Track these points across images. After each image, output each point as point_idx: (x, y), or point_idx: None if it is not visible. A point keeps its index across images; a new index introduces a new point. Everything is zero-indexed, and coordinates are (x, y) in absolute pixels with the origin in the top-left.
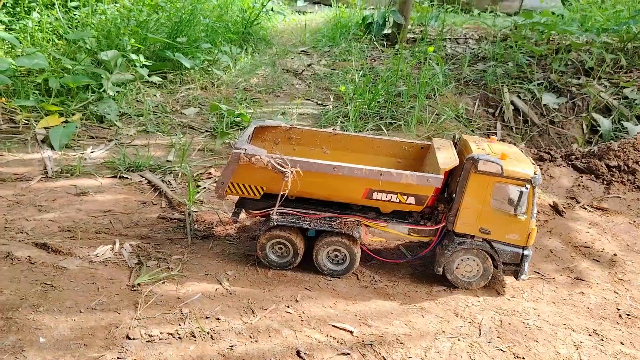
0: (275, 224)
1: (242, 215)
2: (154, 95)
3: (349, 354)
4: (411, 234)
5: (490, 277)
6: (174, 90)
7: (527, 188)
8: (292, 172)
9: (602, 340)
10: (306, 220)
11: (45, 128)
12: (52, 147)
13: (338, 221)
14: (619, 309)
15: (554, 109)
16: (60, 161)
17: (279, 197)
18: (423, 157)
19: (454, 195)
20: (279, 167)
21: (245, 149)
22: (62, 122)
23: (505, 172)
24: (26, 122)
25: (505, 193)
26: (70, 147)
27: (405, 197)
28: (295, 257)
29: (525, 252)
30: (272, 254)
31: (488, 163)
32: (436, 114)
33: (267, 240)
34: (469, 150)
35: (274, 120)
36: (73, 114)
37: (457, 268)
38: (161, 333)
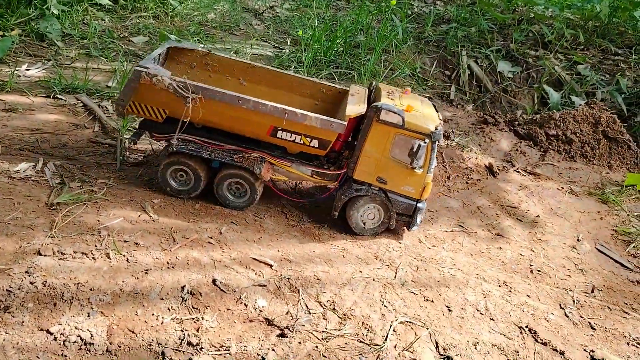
0: (175, 150)
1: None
2: (102, 19)
3: (265, 285)
4: (314, 176)
5: (386, 227)
6: (125, 16)
7: (425, 142)
8: (193, 98)
9: (510, 291)
10: (208, 150)
11: None
12: None
13: (241, 155)
14: (531, 265)
15: (509, 77)
16: None
17: (180, 123)
18: (340, 102)
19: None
20: (180, 91)
21: (148, 68)
22: None
23: (406, 124)
24: None
25: (405, 145)
26: (5, 62)
27: (309, 139)
28: (197, 186)
29: (419, 205)
30: (172, 180)
31: (390, 113)
32: (391, 69)
33: (168, 165)
34: (379, 99)
35: (190, 42)
36: (12, 29)
37: (356, 214)
38: (75, 252)
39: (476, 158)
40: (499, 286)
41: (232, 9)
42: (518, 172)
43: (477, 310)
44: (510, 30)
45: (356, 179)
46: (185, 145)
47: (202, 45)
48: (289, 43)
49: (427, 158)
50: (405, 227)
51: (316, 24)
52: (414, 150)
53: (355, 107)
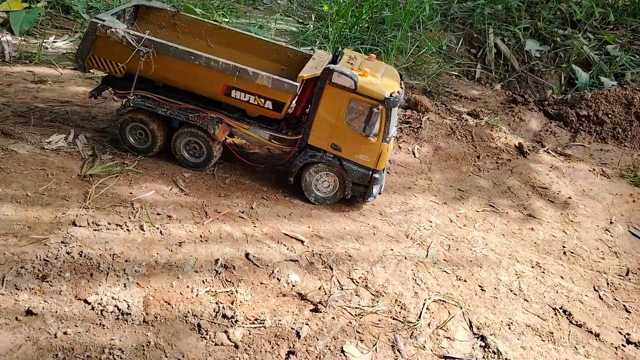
0: (132, 105)
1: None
2: None
3: (297, 261)
4: (272, 140)
5: (342, 196)
6: None
7: (378, 109)
8: (146, 52)
9: (543, 272)
10: (165, 107)
11: (5, 11)
12: (11, 32)
13: (197, 114)
14: (564, 247)
15: (536, 57)
16: (19, 47)
17: (136, 77)
18: None
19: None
20: (133, 43)
21: (104, 20)
22: (25, 8)
23: (359, 89)
24: None
25: (359, 111)
26: (32, 34)
27: (263, 100)
28: (154, 143)
29: (375, 175)
30: (130, 137)
31: (342, 76)
32: (417, 46)
33: (126, 122)
34: (343, 64)
35: (159, 2)
36: (38, 1)
37: (310, 181)
38: (109, 224)
39: (506, 138)
40: (532, 267)
41: None
42: (548, 152)
43: (511, 291)
44: (538, 8)
45: (311, 144)
46: (143, 102)
47: (171, 5)
48: (313, 18)
49: (382, 126)
50: (361, 198)
51: (342, 0)
52: (367, 116)
53: (311, 69)
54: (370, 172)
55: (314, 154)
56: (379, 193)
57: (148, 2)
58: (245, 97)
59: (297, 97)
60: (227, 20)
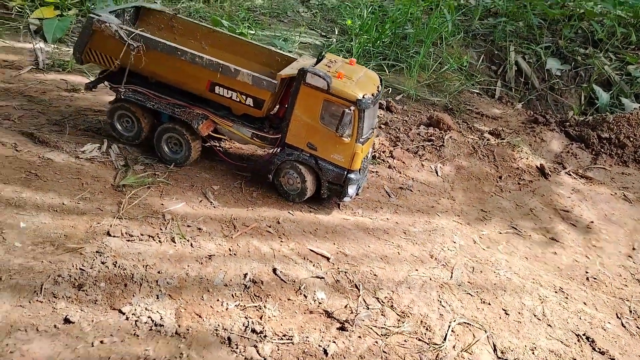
0: (123, 96)
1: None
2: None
3: (323, 278)
4: (254, 138)
5: (313, 194)
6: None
7: (350, 110)
8: (137, 46)
9: (566, 298)
10: (153, 101)
11: (39, 19)
12: (44, 39)
13: (183, 109)
14: (587, 272)
15: (556, 75)
16: (52, 54)
17: (127, 70)
18: None
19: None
20: (124, 37)
21: (100, 16)
22: (57, 15)
23: (332, 90)
24: (20, 10)
25: (333, 112)
26: (64, 41)
27: (244, 97)
28: (139, 133)
29: (350, 175)
30: (118, 124)
31: (316, 77)
32: (439, 63)
33: (115, 110)
34: (321, 67)
35: (157, 4)
36: (69, 9)
37: (286, 179)
38: (142, 234)
39: (527, 158)
40: (555, 292)
41: None
42: (569, 174)
43: (535, 316)
44: (560, 27)
45: (288, 143)
46: (134, 95)
47: (169, 8)
48: (336, 32)
49: (356, 127)
50: (337, 197)
51: (365, 14)
52: (340, 117)
53: (290, 69)
54: (345, 172)
55: (291, 152)
56: (357, 194)
57: (148, 4)
58: (228, 93)
59: (279, 97)
60: (252, 32)
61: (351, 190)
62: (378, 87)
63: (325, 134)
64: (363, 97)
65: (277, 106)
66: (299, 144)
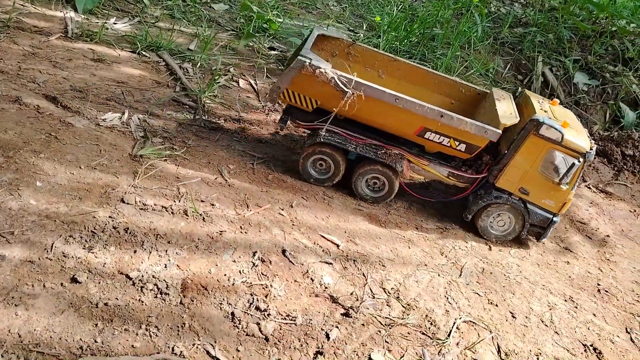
0: (322, 140)
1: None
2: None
3: (331, 263)
4: (450, 177)
5: (515, 236)
6: None
7: (579, 161)
8: (354, 93)
9: (576, 307)
10: (352, 144)
11: None
12: (75, 9)
13: (383, 151)
14: (599, 285)
15: (583, 90)
16: (82, 24)
17: (332, 115)
18: (477, 104)
19: (506, 151)
20: (341, 85)
21: (311, 59)
22: None
23: (564, 142)
24: None
25: (556, 160)
26: (94, 13)
27: (457, 142)
28: (335, 175)
29: (555, 219)
30: (312, 169)
31: (551, 129)
32: (465, 67)
33: (311, 154)
34: (529, 108)
35: (337, 31)
36: None
37: (487, 220)
38: (155, 204)
39: None
40: (565, 300)
41: None
42: (589, 188)
43: (542, 321)
44: (590, 42)
45: (498, 186)
46: (332, 137)
47: (346, 35)
48: (364, 27)
49: (576, 176)
50: (535, 238)
51: (395, 12)
52: (567, 167)
53: (508, 116)
54: (552, 216)
55: (499, 195)
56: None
57: (327, 32)
58: (439, 138)
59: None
60: (280, 20)
61: (549, 232)
62: (586, 132)
63: (541, 180)
64: (590, 149)
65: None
66: (511, 187)
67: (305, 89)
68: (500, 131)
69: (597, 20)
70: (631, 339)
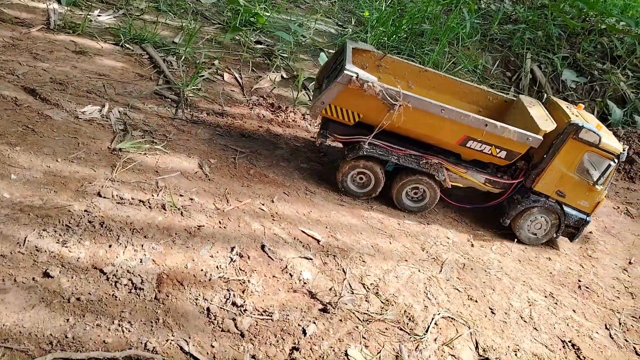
0: (365, 153)
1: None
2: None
3: (311, 259)
4: (486, 184)
5: (550, 237)
6: None
7: (615, 162)
8: (401, 105)
9: (555, 303)
10: (394, 155)
11: None
12: (59, 1)
13: (424, 161)
14: (580, 281)
15: (571, 87)
16: (65, 16)
17: (378, 128)
18: (504, 111)
19: (545, 156)
20: (389, 98)
21: (357, 74)
22: None
23: (601, 144)
24: None
25: (592, 162)
26: (78, 5)
27: (498, 150)
28: (376, 188)
29: (588, 219)
30: (351, 183)
31: (589, 132)
32: (453, 63)
33: (351, 168)
34: (560, 113)
35: (366, 44)
36: None
37: (526, 223)
38: (132, 198)
39: None
40: (545, 297)
41: None
42: None
43: (521, 317)
44: (579, 39)
45: (535, 190)
46: (374, 150)
47: (375, 48)
48: (352, 22)
49: (610, 176)
50: (568, 238)
51: (383, 8)
52: (602, 168)
53: (545, 122)
54: (586, 217)
55: (537, 199)
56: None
57: (358, 44)
58: (480, 147)
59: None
60: (268, 14)
61: (582, 232)
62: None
63: (577, 182)
64: (623, 150)
65: None
66: (548, 191)
67: (349, 103)
68: (541, 137)
69: (587, 18)
70: (610, 336)
